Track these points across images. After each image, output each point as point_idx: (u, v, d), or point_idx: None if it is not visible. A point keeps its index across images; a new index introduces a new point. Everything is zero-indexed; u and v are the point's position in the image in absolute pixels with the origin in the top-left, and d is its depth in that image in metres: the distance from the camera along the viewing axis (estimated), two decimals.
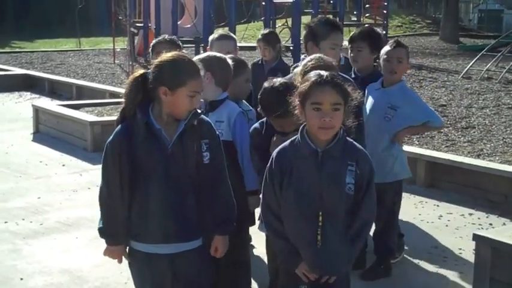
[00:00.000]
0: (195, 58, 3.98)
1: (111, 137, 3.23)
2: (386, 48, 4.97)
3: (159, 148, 3.15)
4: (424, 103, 5.08)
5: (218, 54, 4.29)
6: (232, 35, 5.80)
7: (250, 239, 5.13)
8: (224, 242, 3.37)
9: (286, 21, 19.65)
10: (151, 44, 5.41)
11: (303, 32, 4.93)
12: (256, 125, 4.02)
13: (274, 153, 3.25)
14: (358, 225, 3.16)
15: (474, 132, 8.73)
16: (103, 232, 3.29)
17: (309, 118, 3.11)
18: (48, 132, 9.96)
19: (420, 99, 5.03)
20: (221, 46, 5.35)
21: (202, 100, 3.95)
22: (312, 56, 4.06)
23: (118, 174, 3.16)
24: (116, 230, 3.27)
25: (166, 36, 5.47)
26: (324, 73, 3.15)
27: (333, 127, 3.08)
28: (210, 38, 5.61)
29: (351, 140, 3.22)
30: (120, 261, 3.37)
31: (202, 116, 3.30)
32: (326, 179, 3.10)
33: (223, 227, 3.36)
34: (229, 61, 4.21)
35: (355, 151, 3.18)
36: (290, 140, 3.25)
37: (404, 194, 5.84)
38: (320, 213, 3.11)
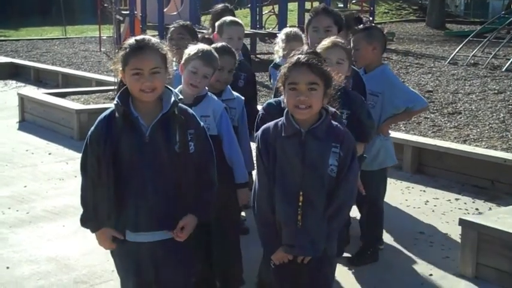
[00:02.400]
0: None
1: (93, 127, 3.21)
2: None
3: (136, 136, 3.12)
4: (406, 87, 5.02)
5: (209, 49, 4.13)
6: (239, 20, 5.44)
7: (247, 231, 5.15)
8: (193, 224, 3.22)
9: (273, 8, 19.57)
10: (170, 32, 5.17)
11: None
12: (271, 101, 3.90)
13: (258, 133, 3.27)
14: (335, 206, 3.16)
15: (460, 117, 8.76)
16: (81, 220, 3.27)
17: (286, 99, 3.14)
18: (34, 120, 9.90)
19: (401, 83, 4.95)
20: (232, 32, 5.19)
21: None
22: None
23: (96, 163, 3.13)
24: (93, 216, 3.22)
25: (181, 22, 5.28)
26: (303, 55, 3.15)
27: (309, 106, 3.09)
28: (218, 23, 5.33)
29: (336, 123, 3.23)
30: (107, 247, 3.31)
31: (186, 107, 3.27)
32: (308, 160, 3.12)
33: (202, 210, 3.26)
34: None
35: (341, 133, 3.19)
36: (274, 121, 3.26)
37: (391, 180, 5.88)
38: (301, 193, 3.12)
